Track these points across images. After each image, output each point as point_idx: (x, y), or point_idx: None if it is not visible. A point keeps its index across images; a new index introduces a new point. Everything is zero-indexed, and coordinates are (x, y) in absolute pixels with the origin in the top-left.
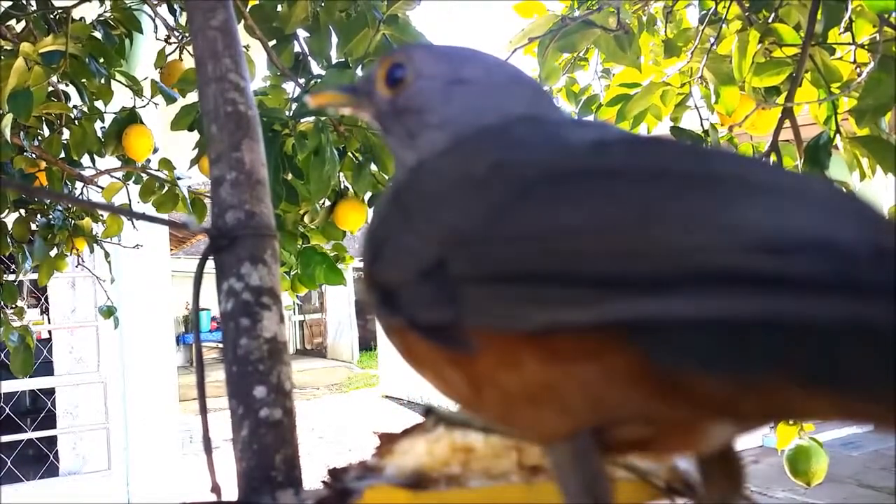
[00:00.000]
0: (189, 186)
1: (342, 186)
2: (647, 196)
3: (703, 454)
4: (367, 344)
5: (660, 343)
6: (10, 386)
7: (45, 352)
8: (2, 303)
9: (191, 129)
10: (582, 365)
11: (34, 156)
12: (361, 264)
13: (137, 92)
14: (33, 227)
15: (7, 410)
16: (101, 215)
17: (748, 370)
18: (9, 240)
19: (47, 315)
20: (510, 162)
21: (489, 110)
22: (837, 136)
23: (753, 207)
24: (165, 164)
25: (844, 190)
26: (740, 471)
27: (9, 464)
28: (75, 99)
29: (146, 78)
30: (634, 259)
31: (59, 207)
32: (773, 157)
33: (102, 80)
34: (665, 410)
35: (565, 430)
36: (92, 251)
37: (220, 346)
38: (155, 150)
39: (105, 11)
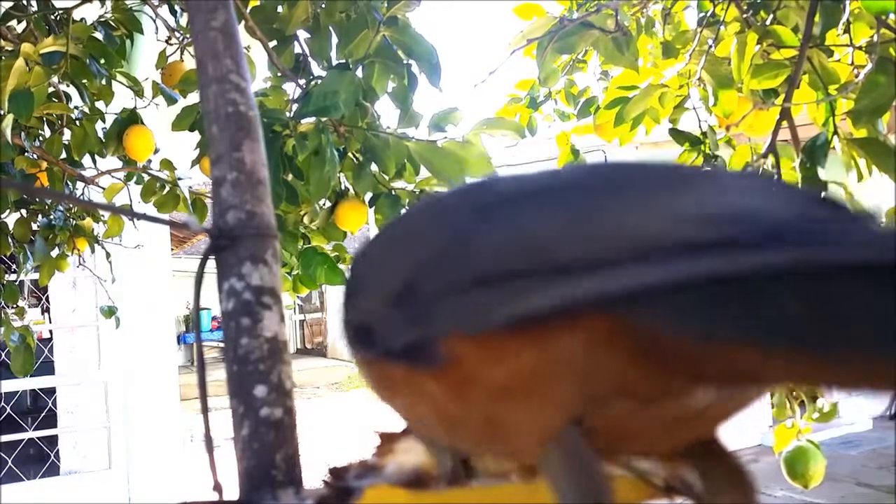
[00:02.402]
0: (190, 187)
1: (343, 187)
2: (598, 197)
3: (707, 469)
4: None
5: (633, 308)
6: (10, 385)
7: (46, 351)
8: (3, 303)
9: (192, 130)
10: (561, 342)
11: (35, 156)
12: None
13: (138, 93)
14: (34, 227)
15: (8, 410)
16: (103, 215)
17: (712, 328)
18: (10, 240)
19: (48, 315)
20: (473, 194)
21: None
22: (835, 137)
23: (694, 196)
24: (166, 164)
25: (775, 180)
26: (749, 481)
27: (10, 463)
28: (76, 100)
29: (147, 79)
30: (592, 245)
31: (61, 208)
32: (770, 159)
33: (103, 81)
34: (644, 375)
35: (554, 423)
36: (93, 251)
37: (221, 345)
38: (156, 151)
39: (106, 12)
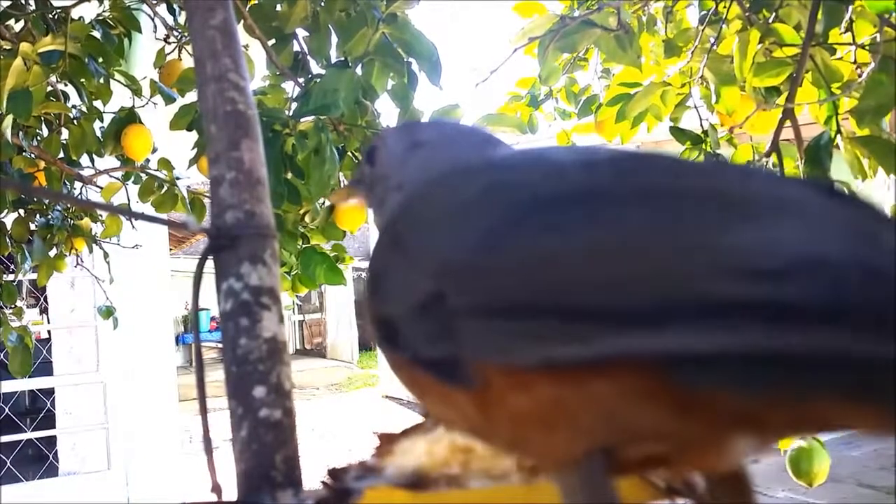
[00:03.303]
0: (188, 186)
1: (342, 186)
2: (633, 222)
3: (716, 474)
4: (366, 344)
5: (678, 363)
6: (9, 386)
7: (44, 352)
8: (1, 303)
9: (190, 129)
10: (594, 384)
11: (33, 156)
12: (361, 264)
13: (136, 91)
14: (32, 227)
15: (6, 410)
16: (101, 215)
17: (779, 387)
18: (8, 240)
19: (46, 315)
20: (502, 183)
21: (442, 161)
22: (838, 136)
23: (739, 227)
24: (164, 163)
25: (832, 190)
26: (749, 480)
27: (8, 464)
28: (74, 99)
29: (145, 77)
30: (625, 290)
31: (58, 207)
32: (773, 158)
33: (101, 80)
34: (684, 426)
35: (578, 450)
36: (91, 251)
37: (220, 346)
38: (154, 150)
39: (104, 11)
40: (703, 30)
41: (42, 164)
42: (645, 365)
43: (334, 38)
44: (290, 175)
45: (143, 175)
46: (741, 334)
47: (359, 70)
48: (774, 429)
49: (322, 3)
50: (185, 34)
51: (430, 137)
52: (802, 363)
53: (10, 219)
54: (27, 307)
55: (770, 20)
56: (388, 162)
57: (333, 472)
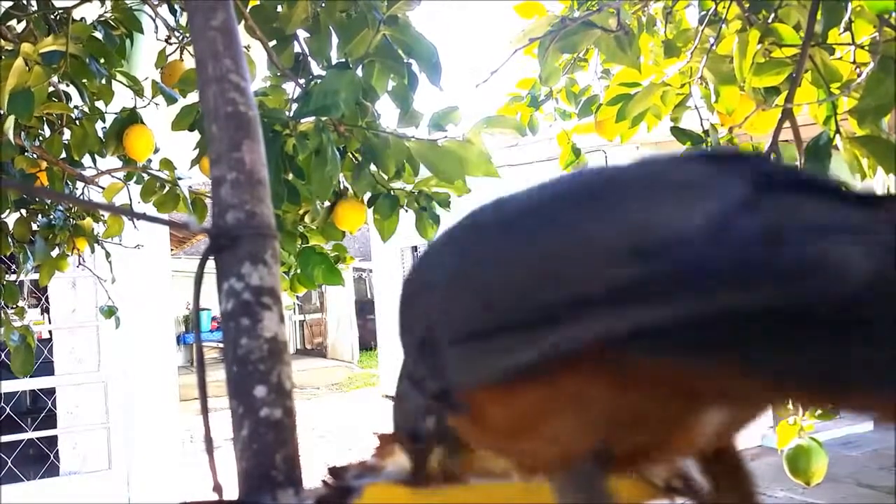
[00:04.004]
0: (190, 186)
1: (342, 187)
2: (540, 235)
3: (710, 467)
4: (367, 344)
5: (620, 346)
6: (10, 386)
7: (45, 352)
8: (2, 303)
9: (191, 130)
10: (559, 383)
11: (35, 156)
12: (361, 264)
13: (138, 92)
14: (34, 227)
15: (8, 410)
16: (102, 215)
17: (680, 353)
18: (10, 240)
19: (48, 315)
20: (457, 233)
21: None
22: (837, 136)
23: (618, 217)
24: (166, 164)
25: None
26: (750, 480)
27: (9, 463)
28: (76, 99)
29: (147, 78)
30: (543, 296)
31: (60, 207)
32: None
33: (103, 81)
34: (642, 404)
35: (563, 453)
36: (93, 251)
37: (221, 345)
38: (156, 151)
39: (105, 12)
40: (702, 30)
41: (44, 165)
42: (592, 356)
43: (335, 40)
44: (290, 176)
45: (144, 175)
46: (629, 312)
47: (359, 71)
48: (715, 397)
49: (323, 5)
50: (187, 35)
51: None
52: (687, 331)
53: (12, 219)
54: (28, 307)
55: (769, 20)
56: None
57: (334, 471)
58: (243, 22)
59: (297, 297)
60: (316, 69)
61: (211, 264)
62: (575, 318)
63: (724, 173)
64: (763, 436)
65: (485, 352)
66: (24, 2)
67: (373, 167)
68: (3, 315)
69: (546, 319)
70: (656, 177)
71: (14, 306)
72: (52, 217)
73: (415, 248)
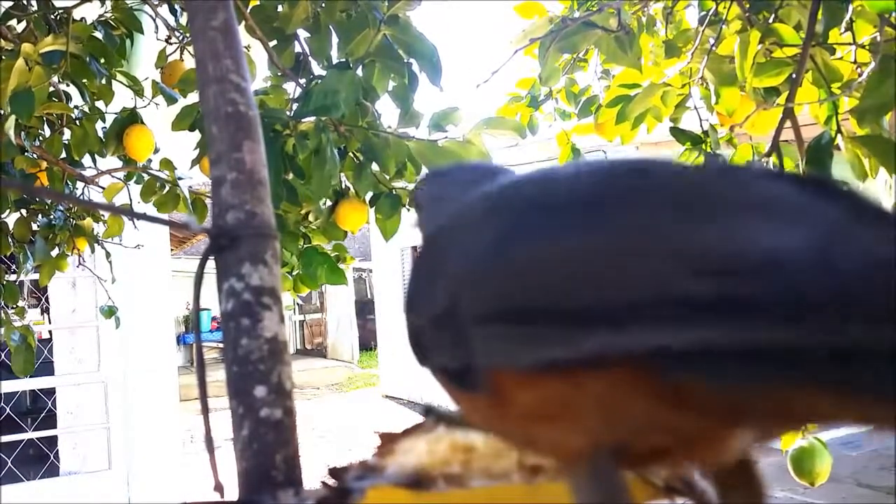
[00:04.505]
0: (190, 186)
1: (343, 186)
2: (606, 230)
3: (722, 467)
4: (367, 344)
5: (664, 360)
6: (10, 386)
7: (45, 352)
8: (3, 303)
9: (192, 130)
10: (591, 383)
11: (35, 156)
12: (361, 264)
13: (138, 92)
14: (34, 227)
15: (7, 410)
16: (103, 215)
17: (749, 380)
18: (10, 240)
19: (47, 315)
20: (506, 197)
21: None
22: (838, 136)
23: (707, 227)
24: (166, 164)
25: (811, 184)
26: (761, 481)
27: (9, 464)
28: (76, 99)
29: (147, 78)
30: (602, 293)
31: (60, 207)
32: (773, 158)
33: (103, 81)
34: (677, 420)
35: (585, 445)
36: (93, 251)
37: (221, 346)
38: (156, 151)
39: (106, 11)
40: (703, 30)
41: (44, 165)
42: (636, 364)
43: (335, 39)
44: (290, 175)
45: (144, 175)
46: (698, 332)
47: (360, 71)
48: (767, 421)
49: (323, 5)
50: (187, 35)
51: (443, 193)
52: (773, 358)
53: (12, 219)
54: (28, 307)
55: (770, 20)
56: (425, 219)
57: (334, 472)
58: (244, 22)
59: (298, 297)
60: (316, 69)
61: (211, 264)
62: (632, 325)
63: (816, 196)
64: None
65: (520, 337)
66: (24, 2)
67: (374, 167)
68: (3, 315)
69: (598, 319)
70: (744, 188)
71: (14, 306)
72: (52, 217)
73: (415, 248)
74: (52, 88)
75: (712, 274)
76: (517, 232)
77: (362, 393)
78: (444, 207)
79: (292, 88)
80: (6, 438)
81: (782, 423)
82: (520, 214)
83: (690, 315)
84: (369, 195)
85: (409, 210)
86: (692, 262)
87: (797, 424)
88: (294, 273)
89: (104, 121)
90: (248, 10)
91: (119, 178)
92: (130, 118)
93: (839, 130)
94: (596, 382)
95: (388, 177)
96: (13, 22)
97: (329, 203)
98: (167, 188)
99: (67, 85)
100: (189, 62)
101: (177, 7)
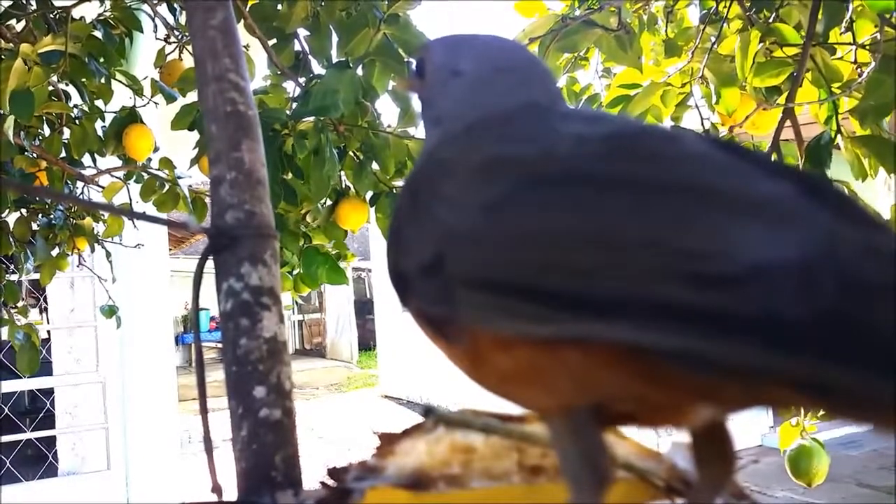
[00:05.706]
0: (190, 186)
1: (343, 186)
2: (601, 214)
3: (695, 434)
4: (366, 344)
5: (634, 344)
6: (9, 386)
7: (43, 352)
8: (4, 302)
9: (191, 129)
10: (566, 353)
11: (34, 155)
12: (360, 264)
13: (137, 91)
14: (34, 226)
15: (6, 410)
16: (102, 215)
17: (729, 371)
18: (10, 239)
19: (46, 315)
20: (503, 158)
21: (473, 106)
22: (838, 135)
23: (699, 228)
24: (166, 163)
25: (814, 185)
26: (731, 451)
27: (8, 464)
28: (75, 98)
29: (146, 77)
30: (584, 280)
31: (60, 207)
32: (773, 158)
33: (102, 80)
34: (648, 393)
35: (557, 406)
36: (93, 251)
37: (220, 346)
38: (155, 150)
39: (105, 11)
40: (703, 29)
41: (44, 164)
42: (613, 345)
43: (335, 39)
44: (289, 175)
45: (144, 175)
46: (679, 336)
47: (359, 70)
48: (733, 401)
49: (323, 4)
50: (186, 34)
51: (466, 68)
52: (748, 356)
53: (12, 218)
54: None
55: (771, 20)
56: (431, 84)
57: (333, 472)
58: (243, 21)
59: (297, 297)
60: (316, 68)
61: (210, 264)
62: (619, 318)
63: (809, 196)
64: (763, 436)
65: (507, 308)
66: (24, 1)
67: (374, 166)
68: (5, 314)
69: (586, 307)
70: (744, 183)
71: (16, 306)
72: (52, 217)
73: None
74: (51, 88)
75: (698, 278)
76: (516, 203)
77: (361, 393)
78: (454, 106)
79: (292, 88)
80: (5, 438)
81: (753, 405)
82: (517, 185)
83: (675, 317)
84: (369, 194)
85: None
86: (681, 264)
87: (766, 406)
88: (294, 273)
89: (103, 120)
90: (248, 9)
91: (119, 178)
92: (130, 117)
93: (839, 130)
94: (572, 356)
95: (388, 176)
96: (12, 21)
97: (329, 202)
98: (167, 187)
99: (67, 84)
100: (188, 61)
101: (176, 6)
